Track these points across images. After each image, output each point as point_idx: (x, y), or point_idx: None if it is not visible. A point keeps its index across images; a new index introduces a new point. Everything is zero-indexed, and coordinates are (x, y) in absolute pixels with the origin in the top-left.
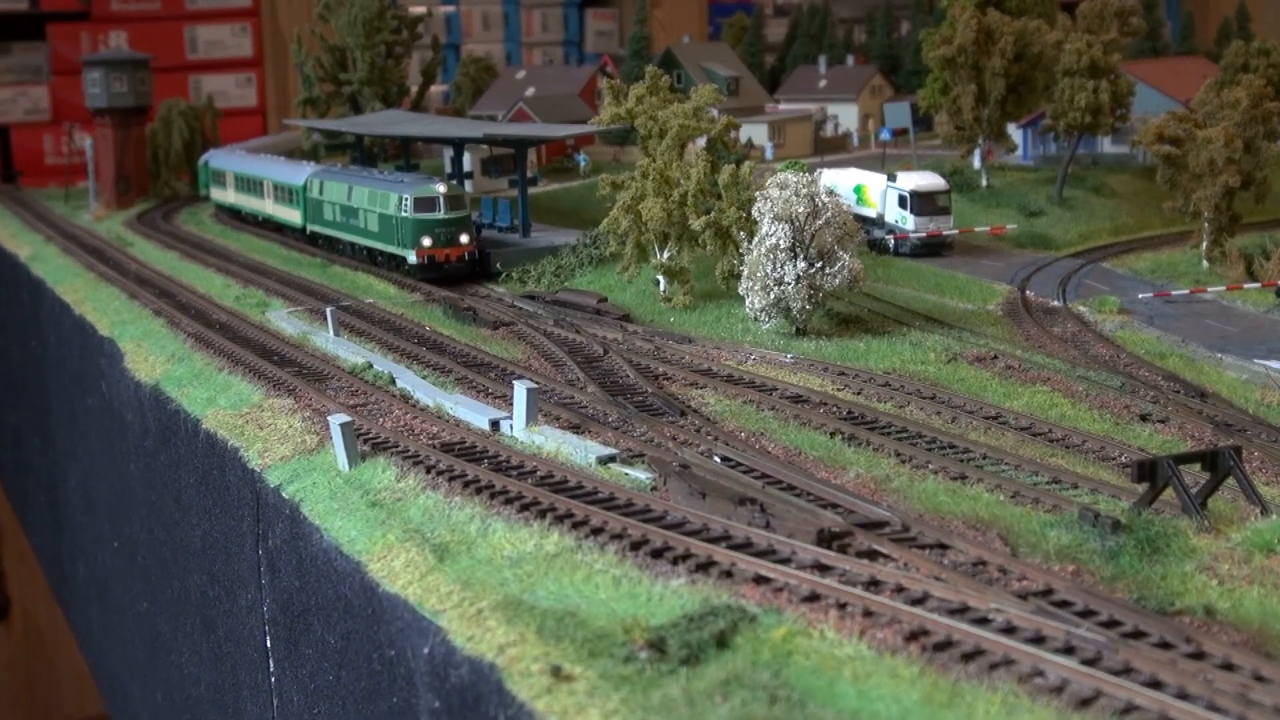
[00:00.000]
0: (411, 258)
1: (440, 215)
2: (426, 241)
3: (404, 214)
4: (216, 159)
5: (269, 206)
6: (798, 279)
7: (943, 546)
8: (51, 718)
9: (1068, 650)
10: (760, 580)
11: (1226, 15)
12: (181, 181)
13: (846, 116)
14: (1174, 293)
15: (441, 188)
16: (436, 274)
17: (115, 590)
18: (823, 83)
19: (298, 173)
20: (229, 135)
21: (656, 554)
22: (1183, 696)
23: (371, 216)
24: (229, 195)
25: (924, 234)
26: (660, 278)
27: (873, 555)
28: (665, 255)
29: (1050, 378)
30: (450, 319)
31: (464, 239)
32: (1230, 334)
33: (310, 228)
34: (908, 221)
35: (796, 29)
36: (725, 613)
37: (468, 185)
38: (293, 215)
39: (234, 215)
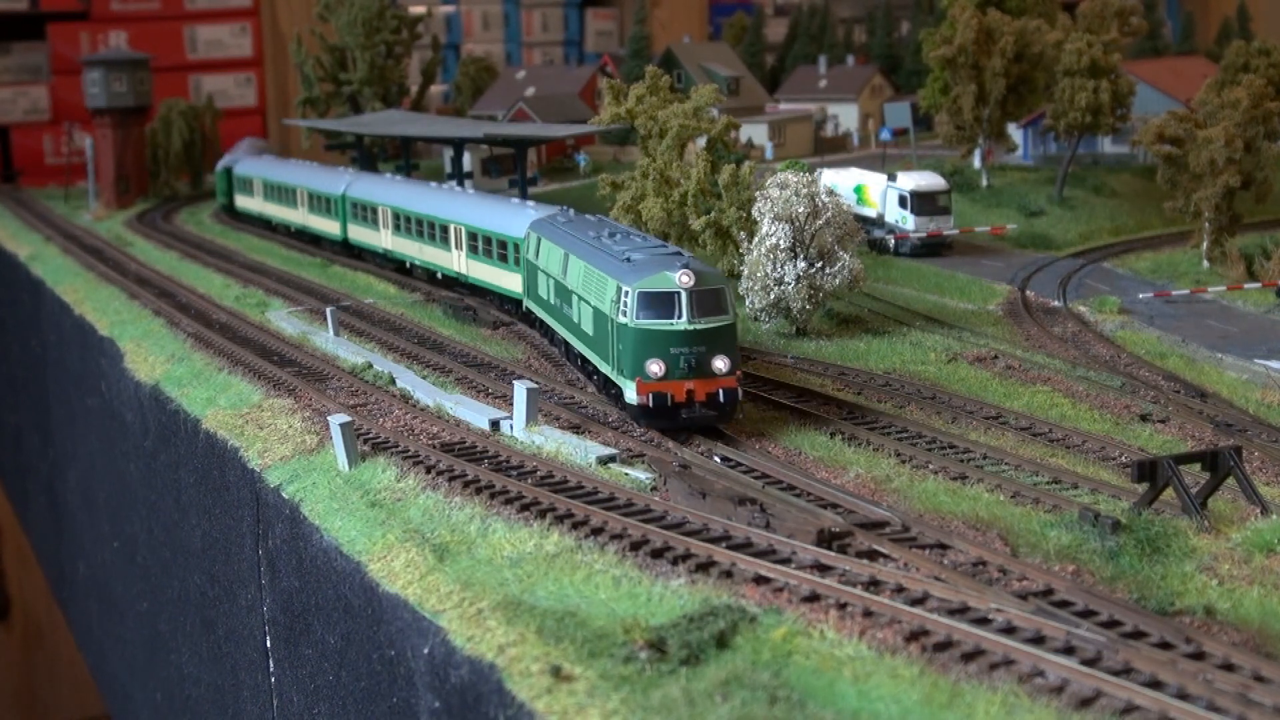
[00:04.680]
0: (630, 393)
1: (682, 324)
2: (655, 369)
3: (621, 317)
4: (358, 187)
5: (457, 261)
6: (798, 279)
7: (943, 547)
8: (51, 718)
9: (1068, 650)
10: (760, 580)
11: (1227, 15)
12: (182, 181)
13: (846, 116)
14: (1174, 293)
15: (686, 277)
16: (669, 423)
17: (115, 590)
18: (823, 83)
19: (515, 218)
20: (229, 135)
21: (656, 554)
22: (1183, 696)
23: (585, 309)
24: (383, 238)
25: (924, 234)
26: None
27: (873, 555)
28: None
29: (1050, 378)
30: (450, 319)
31: (720, 364)
32: (1231, 334)
33: (526, 304)
34: (908, 221)
35: (796, 29)
36: (725, 613)
37: (467, 185)
38: (509, 281)
39: (400, 269)
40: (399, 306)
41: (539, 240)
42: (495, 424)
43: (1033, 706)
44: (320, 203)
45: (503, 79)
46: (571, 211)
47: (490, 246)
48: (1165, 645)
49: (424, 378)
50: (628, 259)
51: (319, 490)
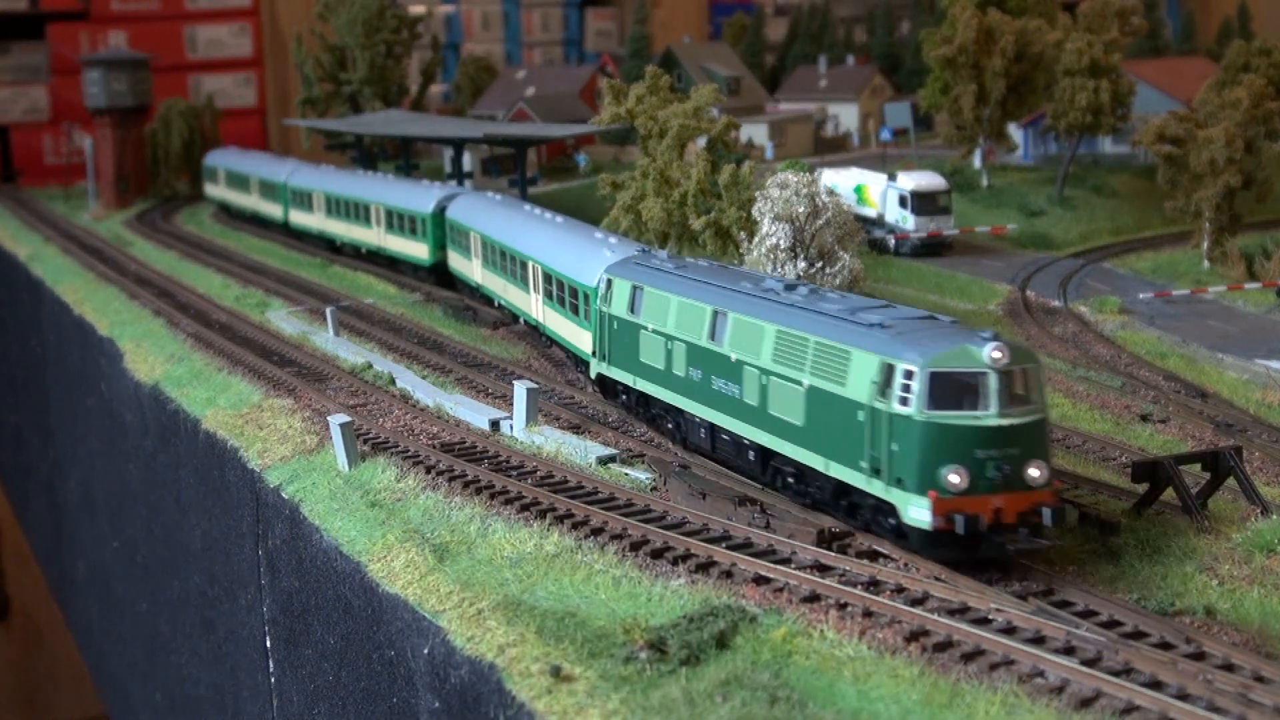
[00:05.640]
0: (919, 511)
1: (991, 417)
2: (956, 479)
3: (898, 406)
4: (458, 206)
5: (534, 307)
6: (798, 279)
7: None
8: (51, 718)
9: (1068, 650)
10: (760, 580)
11: (1227, 15)
12: (181, 181)
13: (847, 116)
14: (1175, 293)
15: (998, 353)
16: (972, 554)
17: (115, 590)
18: (823, 83)
19: (588, 259)
20: (229, 135)
21: (656, 554)
22: (1183, 697)
23: (783, 389)
24: (474, 270)
25: (924, 234)
26: None
27: (873, 555)
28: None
29: (1051, 378)
30: (450, 319)
31: (1035, 472)
32: (1231, 334)
33: (600, 370)
34: (908, 221)
35: (796, 29)
36: (725, 613)
37: (467, 185)
38: (578, 338)
39: (485, 302)
40: (399, 306)
41: (635, 291)
42: (495, 424)
43: (1033, 706)
44: (403, 221)
45: (503, 79)
46: (665, 253)
47: (563, 292)
48: (1165, 645)
49: (424, 378)
50: (880, 325)
51: (319, 490)
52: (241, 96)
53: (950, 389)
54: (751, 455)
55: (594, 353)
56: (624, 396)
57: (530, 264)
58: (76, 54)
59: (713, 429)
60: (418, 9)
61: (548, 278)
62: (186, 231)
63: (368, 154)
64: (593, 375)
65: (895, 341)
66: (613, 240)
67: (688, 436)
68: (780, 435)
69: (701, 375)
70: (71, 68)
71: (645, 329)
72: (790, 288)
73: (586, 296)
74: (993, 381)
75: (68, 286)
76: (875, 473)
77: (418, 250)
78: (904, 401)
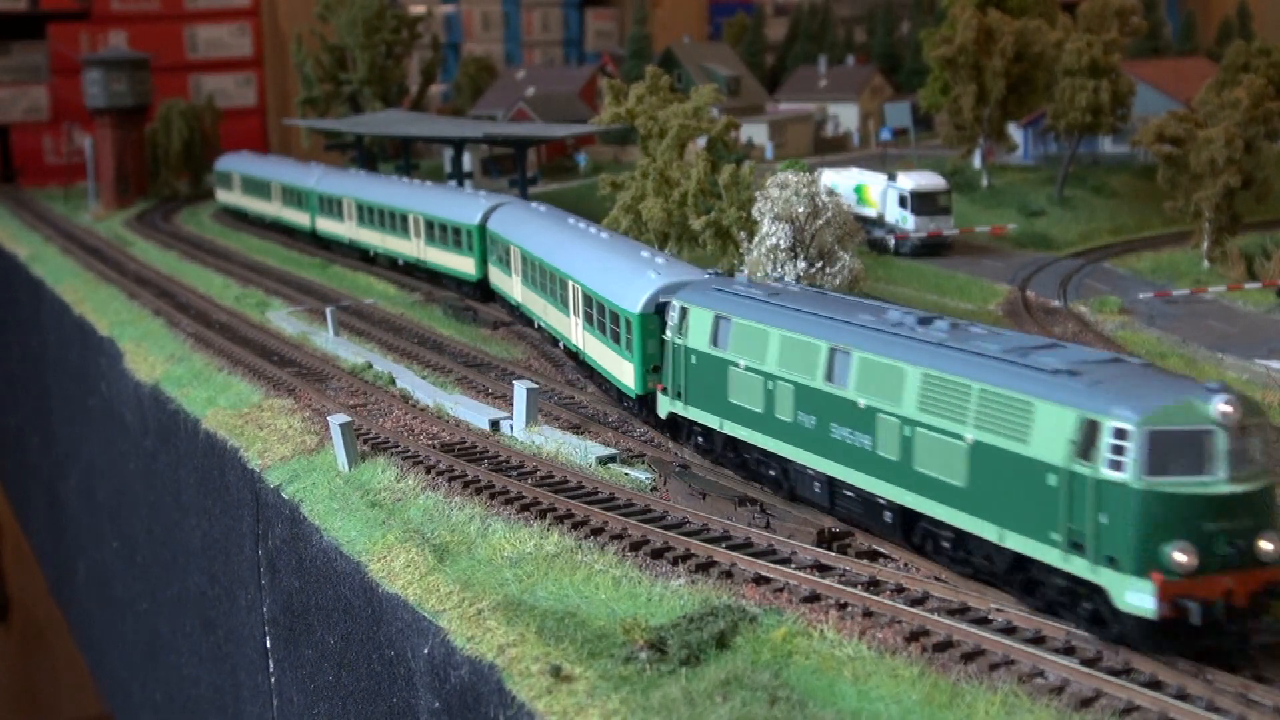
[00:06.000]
0: (1138, 596)
1: (1221, 484)
2: (1183, 558)
3: (1108, 471)
4: (499, 220)
5: (574, 331)
6: (798, 279)
7: None
8: (51, 718)
9: (1068, 650)
10: (760, 580)
11: (1227, 15)
12: (181, 181)
13: (847, 116)
14: (1174, 293)
15: (1229, 407)
16: (1199, 645)
17: (115, 590)
18: (823, 83)
19: (631, 282)
20: (229, 135)
21: (656, 554)
22: (1183, 697)
23: (942, 448)
24: (514, 286)
25: (924, 234)
26: None
27: (873, 555)
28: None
29: None
30: (450, 319)
31: (1268, 546)
32: (1231, 334)
33: (673, 409)
34: (908, 221)
35: (797, 29)
36: (725, 613)
37: (467, 185)
38: (619, 369)
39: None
40: (399, 306)
41: (719, 321)
42: (495, 424)
43: (1033, 706)
44: (446, 233)
45: (503, 79)
46: (744, 277)
47: (603, 317)
48: None
49: (424, 378)
50: (1067, 371)
51: (319, 490)
52: (241, 96)
53: (1172, 451)
54: (889, 516)
55: (665, 389)
56: (701, 439)
57: (570, 284)
58: (76, 54)
59: (832, 483)
60: (418, 9)
61: (588, 300)
62: (186, 231)
63: (368, 154)
64: (662, 414)
65: (1094, 392)
66: (660, 260)
67: (796, 487)
68: (933, 497)
69: (816, 422)
70: (71, 68)
71: (735, 365)
72: (925, 321)
73: (629, 323)
74: (1222, 441)
75: (68, 286)
76: (1074, 548)
77: (463, 264)
78: (1115, 465)
